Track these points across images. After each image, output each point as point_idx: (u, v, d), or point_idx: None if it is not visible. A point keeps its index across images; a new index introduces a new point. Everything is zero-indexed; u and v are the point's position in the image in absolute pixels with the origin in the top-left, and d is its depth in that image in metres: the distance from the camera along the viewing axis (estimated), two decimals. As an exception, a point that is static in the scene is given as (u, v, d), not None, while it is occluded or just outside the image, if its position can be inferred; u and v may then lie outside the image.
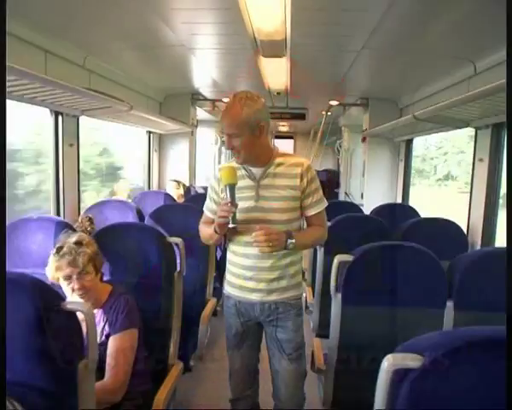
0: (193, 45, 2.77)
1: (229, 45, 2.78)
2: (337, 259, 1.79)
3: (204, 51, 2.97)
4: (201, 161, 5.99)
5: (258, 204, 1.61)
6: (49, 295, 1.06)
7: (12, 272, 1.13)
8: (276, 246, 1.54)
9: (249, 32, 2.39)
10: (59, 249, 1.57)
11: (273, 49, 2.68)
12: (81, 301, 1.55)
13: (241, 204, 1.58)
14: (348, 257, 1.75)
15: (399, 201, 4.43)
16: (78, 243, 1.59)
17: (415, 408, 0.81)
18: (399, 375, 0.84)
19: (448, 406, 0.80)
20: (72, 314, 1.07)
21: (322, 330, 2.54)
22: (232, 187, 1.54)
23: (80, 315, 1.11)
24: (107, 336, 1.58)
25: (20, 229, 2.06)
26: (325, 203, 1.68)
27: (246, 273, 1.66)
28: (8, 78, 1.92)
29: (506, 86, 1.52)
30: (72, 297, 1.58)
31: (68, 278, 1.53)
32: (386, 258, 1.73)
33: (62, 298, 1.08)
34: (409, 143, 4.32)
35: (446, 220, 2.73)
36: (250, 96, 1.54)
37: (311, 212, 1.65)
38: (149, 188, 4.66)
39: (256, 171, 1.62)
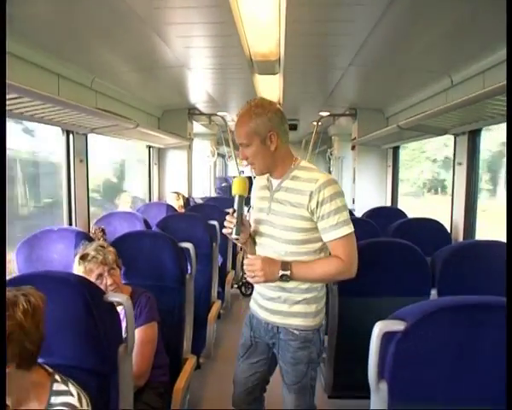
0: (190, 66, 2.99)
1: (226, 66, 3.01)
2: None
3: (201, 71, 3.19)
4: (198, 173, 6.20)
5: (269, 218, 1.51)
6: (93, 290, 1.25)
7: (59, 271, 1.32)
8: (261, 277, 1.45)
9: (246, 53, 2.62)
10: (84, 256, 1.77)
11: (267, 67, 2.92)
12: (122, 294, 1.73)
13: (259, 215, 1.56)
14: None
15: (389, 204, 4.67)
16: (102, 246, 1.82)
17: (400, 362, 1.02)
18: (387, 339, 1.05)
19: (426, 359, 1.02)
20: (112, 305, 1.27)
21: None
22: (240, 198, 1.48)
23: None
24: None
25: (43, 240, 2.24)
26: (347, 230, 1.40)
27: (257, 288, 1.61)
28: (23, 100, 2.10)
29: (506, 89, 1.69)
30: None
31: (100, 276, 1.73)
32: (377, 253, 1.95)
33: (104, 292, 1.28)
34: (395, 150, 4.58)
35: (431, 220, 2.97)
36: (261, 104, 1.43)
37: (325, 238, 1.44)
38: (150, 199, 4.85)
39: (275, 182, 1.53)
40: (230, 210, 1.48)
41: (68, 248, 2.19)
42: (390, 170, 4.64)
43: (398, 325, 1.02)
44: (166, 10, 1.88)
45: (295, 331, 1.51)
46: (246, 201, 1.52)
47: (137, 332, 1.74)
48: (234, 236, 1.47)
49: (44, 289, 1.12)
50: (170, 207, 4.09)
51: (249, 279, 1.49)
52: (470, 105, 2.21)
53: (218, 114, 5.15)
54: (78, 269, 1.77)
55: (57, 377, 1.10)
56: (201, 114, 5.13)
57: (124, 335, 1.31)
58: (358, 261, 1.70)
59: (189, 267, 2.20)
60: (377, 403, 1.07)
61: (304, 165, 1.51)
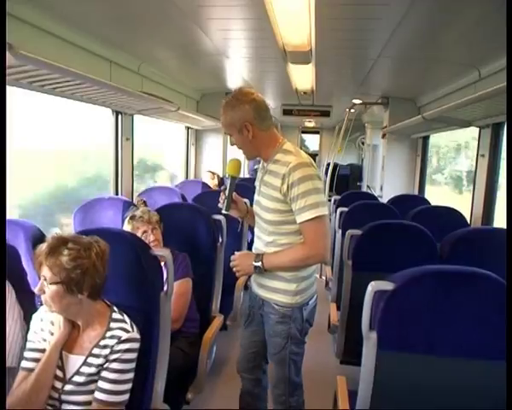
0: (228, 54, 3.21)
1: (261, 55, 3.21)
2: (348, 233, 2.21)
3: (238, 60, 3.40)
4: (232, 155, 6.45)
5: (259, 199, 1.64)
6: (142, 245, 1.54)
7: (115, 228, 1.60)
8: (241, 271, 1.62)
9: (279, 45, 2.80)
10: (133, 217, 2.11)
11: (300, 58, 3.09)
12: (164, 249, 2.04)
13: (255, 196, 1.70)
14: (357, 232, 2.17)
15: (416, 193, 4.75)
16: (148, 210, 2.16)
17: (387, 316, 1.25)
18: (379, 296, 1.27)
19: (409, 315, 1.23)
20: (156, 258, 1.55)
21: (339, 301, 2.96)
22: (232, 179, 1.64)
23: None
24: None
25: (95, 206, 2.58)
26: (313, 213, 1.46)
27: None
28: (82, 85, 2.39)
29: (506, 89, 1.78)
30: None
31: (145, 233, 2.06)
32: (389, 233, 2.14)
33: (149, 247, 1.56)
34: (425, 139, 4.63)
35: (451, 209, 3.08)
36: (236, 97, 1.53)
37: (297, 221, 1.52)
38: (187, 177, 5.18)
39: (265, 165, 1.63)
40: (223, 187, 1.69)
41: (116, 214, 2.51)
42: (419, 159, 4.70)
43: (388, 286, 1.24)
44: (208, 8, 2.11)
45: (275, 306, 1.61)
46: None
47: (174, 285, 1.98)
48: (224, 211, 1.64)
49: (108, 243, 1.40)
50: (205, 184, 4.40)
51: (236, 274, 1.67)
52: (493, 97, 2.29)
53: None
54: (127, 227, 2.10)
55: (115, 308, 1.40)
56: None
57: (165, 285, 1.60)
58: (372, 240, 1.86)
59: (220, 238, 2.46)
60: (368, 348, 1.29)
61: (286, 148, 1.57)
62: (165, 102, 3.17)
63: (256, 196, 1.69)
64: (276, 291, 1.61)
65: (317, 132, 10.95)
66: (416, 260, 2.09)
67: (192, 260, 2.22)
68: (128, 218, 2.14)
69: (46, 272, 1.25)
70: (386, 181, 4.99)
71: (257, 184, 1.71)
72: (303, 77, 3.93)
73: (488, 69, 2.79)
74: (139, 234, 2.06)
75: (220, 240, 2.46)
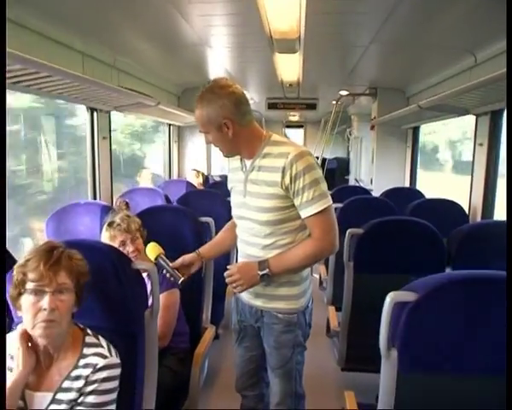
0: (211, 44, 3.01)
1: (246, 43, 3.02)
2: (349, 232, 2.05)
3: (221, 49, 3.20)
4: (217, 151, 6.24)
5: (246, 200, 1.45)
6: (121, 258, 1.34)
7: (91, 239, 1.41)
8: (243, 285, 1.41)
9: (266, 31, 2.62)
10: (111, 223, 1.90)
11: (287, 46, 2.91)
12: (148, 262, 1.84)
13: (236, 199, 1.52)
14: (359, 230, 2.00)
15: (407, 185, 4.65)
16: (128, 216, 1.94)
17: (410, 331, 1.08)
18: (399, 309, 1.10)
19: (435, 329, 1.07)
20: (138, 272, 1.35)
21: (335, 302, 2.82)
22: (160, 259, 1.53)
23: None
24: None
25: (70, 213, 2.35)
26: (323, 204, 1.33)
27: None
28: (52, 78, 2.17)
29: (506, 77, 1.66)
30: None
31: (123, 243, 1.84)
32: (393, 231, 1.98)
33: (131, 260, 1.36)
34: (415, 130, 4.52)
35: (449, 201, 2.96)
36: (211, 90, 1.35)
37: (302, 215, 1.37)
38: (170, 176, 4.95)
39: (247, 162, 1.45)
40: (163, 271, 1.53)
41: (94, 221, 2.29)
42: (409, 151, 4.60)
43: (409, 296, 1.07)
44: (189, -11, 1.91)
45: (279, 315, 1.46)
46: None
47: (160, 298, 1.84)
48: (179, 283, 1.51)
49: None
50: (189, 184, 4.19)
51: (234, 290, 1.46)
52: (493, 84, 2.18)
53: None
54: (104, 235, 1.89)
55: (89, 331, 1.20)
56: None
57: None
58: (375, 239, 1.71)
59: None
60: (387, 369, 1.13)
61: (275, 139, 1.43)
62: (144, 96, 2.96)
63: (240, 199, 1.49)
64: (279, 298, 1.46)
65: (300, 126, 10.80)
66: (424, 260, 1.99)
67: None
68: (106, 224, 1.92)
69: (63, 277, 1.10)
70: (375, 174, 4.87)
71: (238, 184, 1.51)
72: (289, 67, 3.75)
73: (485, 54, 2.67)
74: (116, 244, 1.85)
75: (209, 244, 2.26)
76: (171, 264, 1.53)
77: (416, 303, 1.06)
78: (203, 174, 4.71)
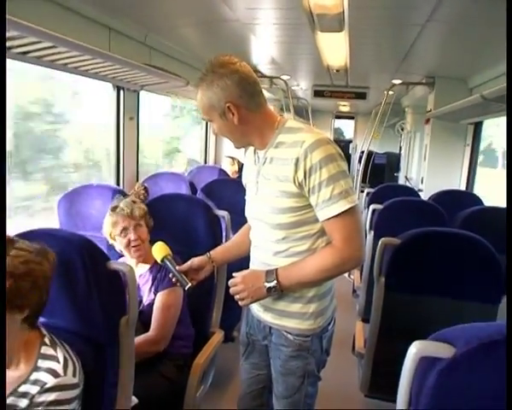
0: (248, 20, 2.75)
1: (285, 20, 2.72)
2: (382, 242, 1.73)
3: (259, 26, 2.93)
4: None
5: (257, 198, 1.24)
6: (95, 254, 1.14)
7: (65, 230, 1.24)
8: (248, 298, 1.19)
9: (305, 5, 2.31)
10: (114, 208, 1.75)
11: (330, 23, 2.58)
12: (129, 262, 1.70)
13: (249, 196, 1.32)
14: (394, 241, 1.68)
15: (463, 189, 4.14)
16: (133, 201, 1.78)
17: (441, 400, 0.78)
18: (427, 364, 0.81)
19: (478, 401, 0.76)
20: (115, 274, 1.16)
21: (367, 315, 2.50)
22: (167, 260, 1.36)
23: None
24: (155, 293, 1.71)
25: (82, 195, 2.23)
26: (344, 205, 1.09)
27: None
28: (72, 53, 2.06)
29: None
30: (129, 257, 1.74)
31: (125, 230, 1.70)
32: (437, 245, 1.64)
33: (108, 258, 1.17)
34: (477, 126, 3.99)
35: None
36: (212, 69, 1.13)
37: (320, 218, 1.14)
38: (205, 163, 4.79)
39: (260, 154, 1.23)
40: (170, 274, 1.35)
41: (105, 204, 2.13)
42: (468, 149, 4.07)
43: (443, 350, 0.77)
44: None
45: (289, 336, 1.23)
46: None
47: (160, 296, 1.69)
48: (187, 288, 1.32)
49: (49, 247, 1.04)
50: (223, 171, 3.99)
51: (239, 303, 1.22)
52: None
53: (282, 77, 4.84)
54: (107, 220, 1.76)
55: (47, 339, 1.03)
56: (263, 76, 4.86)
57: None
58: (413, 252, 1.39)
59: (223, 236, 2.06)
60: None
61: (290, 125, 1.19)
62: (173, 75, 2.76)
63: (252, 196, 1.27)
64: (290, 316, 1.23)
65: (351, 118, 10.26)
66: (474, 284, 1.63)
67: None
68: (109, 209, 1.78)
69: None
70: (427, 173, 4.39)
71: (250, 180, 1.29)
72: (335, 50, 3.40)
73: None
74: (118, 231, 1.72)
75: (224, 239, 2.05)
76: (178, 267, 1.35)
77: (452, 362, 0.76)
78: (239, 162, 4.50)
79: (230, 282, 1.23)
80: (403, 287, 1.64)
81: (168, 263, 1.35)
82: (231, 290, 1.22)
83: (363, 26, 2.69)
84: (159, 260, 1.38)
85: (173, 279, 1.34)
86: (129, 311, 1.15)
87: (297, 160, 1.10)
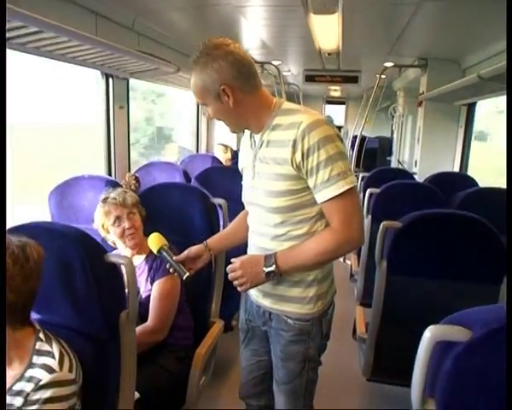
0: (240, 2, 2.67)
1: (278, 1, 2.65)
2: (383, 225, 1.70)
3: (251, 8, 2.85)
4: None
5: (254, 182, 1.22)
6: (92, 248, 1.10)
7: (59, 223, 1.19)
8: (247, 283, 1.16)
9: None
10: (105, 199, 1.72)
11: (324, 4, 2.52)
12: (123, 254, 1.67)
13: (245, 181, 1.30)
14: (396, 224, 1.65)
15: (457, 170, 4.14)
16: (124, 191, 1.76)
17: (457, 384, 0.76)
18: (442, 349, 0.78)
19: (495, 384, 0.74)
20: (114, 266, 1.11)
21: (367, 299, 2.49)
22: (164, 251, 1.32)
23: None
24: (152, 283, 1.67)
25: (73, 187, 2.17)
26: (342, 186, 1.07)
27: None
28: (60, 39, 1.98)
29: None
30: (124, 248, 1.70)
31: (118, 219, 1.67)
32: (439, 227, 1.62)
33: (105, 250, 1.12)
34: (470, 107, 3.97)
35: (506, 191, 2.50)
36: (206, 51, 1.10)
37: (318, 200, 1.12)
38: (197, 151, 4.72)
39: (257, 137, 1.21)
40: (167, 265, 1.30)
41: (98, 196, 2.07)
42: (462, 131, 4.06)
43: (459, 334, 0.75)
44: None
45: (289, 320, 1.22)
46: None
47: (156, 285, 1.66)
48: (185, 278, 1.28)
49: (44, 242, 1.00)
50: (216, 159, 3.93)
51: (238, 288, 1.20)
52: None
53: (273, 62, 4.76)
54: (98, 212, 1.73)
55: (41, 335, 0.99)
56: (254, 62, 4.76)
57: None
58: (415, 235, 1.38)
59: (220, 225, 2.02)
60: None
61: (286, 107, 1.17)
62: (162, 61, 2.68)
63: (249, 181, 1.25)
64: (289, 300, 1.22)
65: (342, 103, 10.19)
66: (476, 265, 1.62)
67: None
68: (100, 201, 1.74)
69: None
70: (421, 156, 4.38)
71: (246, 165, 1.27)
72: (327, 32, 3.33)
73: None
74: (111, 221, 1.69)
75: (221, 228, 2.01)
76: (175, 257, 1.31)
77: (469, 346, 0.74)
78: (231, 149, 4.43)
79: (229, 268, 1.20)
80: (405, 270, 1.63)
81: (165, 254, 1.32)
82: (230, 276, 1.20)
83: (356, 7, 2.63)
84: (155, 252, 1.34)
85: (170, 270, 1.31)
86: (129, 305, 1.11)
87: (294, 141, 1.08)
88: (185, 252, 1.35)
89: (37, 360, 0.94)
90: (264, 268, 1.14)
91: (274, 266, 1.13)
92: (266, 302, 1.26)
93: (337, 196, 1.07)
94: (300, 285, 1.20)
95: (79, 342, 1.06)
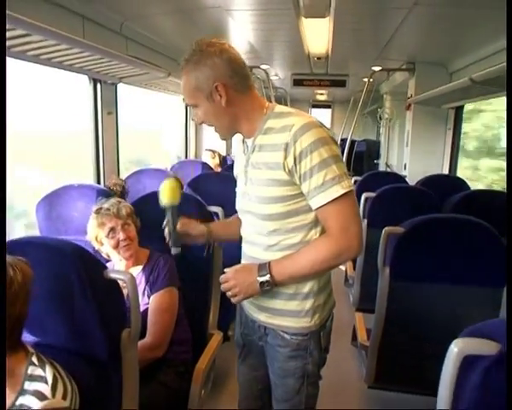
0: (230, 6, 2.64)
1: (270, 5, 2.62)
2: (385, 231, 1.68)
3: (240, 12, 2.82)
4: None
5: (247, 189, 1.16)
6: (91, 264, 1.04)
7: (54, 238, 1.13)
8: (240, 294, 1.10)
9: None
10: (98, 210, 1.66)
11: (316, 7, 2.51)
12: (117, 266, 1.65)
13: (238, 187, 1.24)
14: (398, 230, 1.63)
15: (446, 172, 4.18)
16: (118, 201, 1.70)
17: (487, 399, 0.73)
18: (468, 362, 0.75)
19: None
20: (114, 283, 1.05)
21: (364, 305, 2.47)
22: (171, 208, 1.21)
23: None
24: (149, 296, 1.62)
25: (62, 196, 2.09)
26: (337, 190, 1.02)
27: None
28: (47, 42, 1.91)
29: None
30: (118, 260, 1.64)
31: (113, 230, 1.61)
32: (441, 232, 1.60)
33: (104, 266, 1.06)
34: (458, 110, 4.02)
35: (501, 193, 2.53)
36: (200, 48, 1.06)
37: (312, 206, 1.06)
38: (186, 157, 4.65)
39: (249, 142, 1.16)
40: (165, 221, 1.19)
41: (88, 206, 2.01)
42: (450, 133, 4.10)
43: (487, 347, 0.72)
44: None
45: (285, 335, 1.16)
46: None
47: (154, 298, 1.61)
48: (173, 250, 1.20)
49: (37, 259, 0.94)
50: (205, 165, 3.88)
51: (232, 300, 1.14)
52: None
53: (261, 67, 4.74)
54: (91, 224, 1.67)
55: (34, 358, 0.91)
56: (244, 65, 4.74)
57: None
58: (419, 241, 1.34)
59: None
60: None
61: (279, 110, 1.12)
62: (153, 66, 2.63)
63: (242, 188, 1.20)
64: (286, 314, 1.16)
65: (328, 107, 10.25)
66: (479, 269, 1.60)
67: (181, 264, 1.73)
68: (93, 212, 1.67)
69: None
70: (410, 159, 4.41)
71: (239, 171, 1.21)
72: (317, 36, 3.33)
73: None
74: (105, 232, 1.62)
75: (217, 237, 1.95)
76: (178, 226, 1.23)
77: (498, 359, 0.71)
78: (219, 155, 4.39)
79: (221, 278, 1.14)
80: (408, 276, 1.61)
81: (170, 215, 1.20)
82: (222, 287, 1.14)
83: (348, 11, 2.63)
84: (163, 204, 1.21)
85: (165, 234, 1.21)
86: (131, 323, 1.05)
87: (286, 145, 1.03)
88: (187, 229, 1.28)
89: (29, 386, 0.87)
90: (258, 278, 1.08)
91: (268, 275, 1.08)
92: (261, 317, 1.21)
93: (332, 201, 1.02)
94: (296, 298, 1.14)
95: (79, 365, 0.99)
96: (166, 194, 1.20)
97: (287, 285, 1.13)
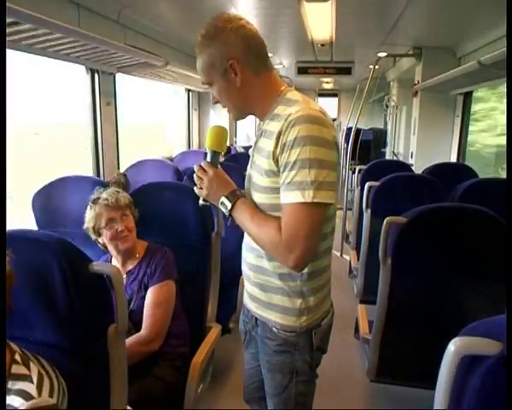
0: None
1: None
2: (387, 221, 1.61)
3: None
4: (243, 120, 5.84)
5: (250, 172, 1.11)
6: (75, 258, 1.00)
7: (37, 231, 1.09)
8: (203, 191, 1.07)
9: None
10: (96, 200, 1.62)
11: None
12: (115, 258, 1.63)
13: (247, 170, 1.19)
14: (400, 219, 1.57)
15: (454, 160, 4.08)
16: (116, 191, 1.66)
17: (488, 401, 0.67)
18: (468, 362, 0.70)
19: None
20: (100, 276, 1.02)
21: (367, 296, 2.42)
22: (214, 154, 1.11)
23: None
24: (146, 289, 1.59)
25: (58, 189, 2.05)
26: (303, 196, 0.93)
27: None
28: (41, 31, 1.88)
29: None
30: (115, 252, 1.62)
31: (110, 221, 1.58)
32: (445, 222, 1.54)
33: (90, 260, 1.02)
34: (467, 96, 3.90)
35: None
36: (215, 24, 1.00)
37: (281, 199, 0.99)
38: (189, 147, 4.61)
39: (261, 126, 1.12)
40: (197, 166, 1.09)
41: (85, 198, 1.98)
42: (458, 120, 3.99)
43: (488, 347, 0.67)
44: None
45: (273, 329, 1.12)
46: None
47: (151, 291, 1.58)
48: (201, 201, 1.11)
49: (19, 252, 0.90)
50: (208, 155, 3.83)
51: (194, 189, 1.10)
52: None
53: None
54: (88, 214, 1.63)
55: (17, 356, 0.87)
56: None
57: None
58: (423, 232, 1.25)
59: (215, 226, 1.92)
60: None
61: (289, 97, 1.05)
62: (150, 55, 2.57)
63: (248, 170, 1.14)
64: (274, 309, 1.11)
65: (335, 95, 10.08)
66: (485, 261, 1.53)
67: (179, 256, 1.70)
68: (90, 202, 1.64)
69: None
70: (417, 147, 4.31)
71: (250, 152, 1.15)
72: (320, 22, 3.24)
73: None
74: (102, 223, 1.58)
75: (216, 229, 1.91)
76: None
77: (500, 359, 0.65)
78: (224, 145, 4.33)
79: (197, 169, 1.08)
80: (411, 268, 1.55)
81: (211, 157, 1.09)
82: (196, 175, 1.08)
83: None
84: (207, 148, 1.12)
85: (197, 182, 1.10)
86: (117, 318, 1.02)
87: (279, 133, 0.97)
88: None
89: (12, 385, 0.84)
90: (223, 198, 1.04)
91: (230, 205, 1.04)
92: (252, 306, 1.18)
93: (298, 204, 0.94)
94: (283, 294, 1.09)
95: (65, 361, 0.96)
96: (213, 138, 1.12)
97: (272, 276, 1.08)
